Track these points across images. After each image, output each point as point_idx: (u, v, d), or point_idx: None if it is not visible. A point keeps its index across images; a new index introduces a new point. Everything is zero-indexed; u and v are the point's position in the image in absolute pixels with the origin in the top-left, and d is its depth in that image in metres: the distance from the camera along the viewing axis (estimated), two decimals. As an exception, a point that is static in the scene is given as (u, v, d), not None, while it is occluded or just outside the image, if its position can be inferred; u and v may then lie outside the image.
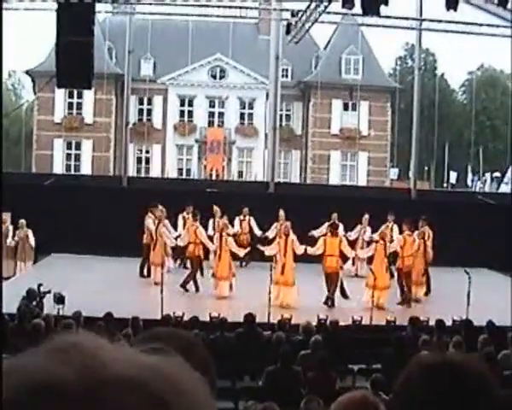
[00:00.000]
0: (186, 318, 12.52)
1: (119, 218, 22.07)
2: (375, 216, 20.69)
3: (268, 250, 17.63)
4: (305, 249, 17.15)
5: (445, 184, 49.40)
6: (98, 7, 20.61)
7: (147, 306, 14.60)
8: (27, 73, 49.12)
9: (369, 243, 19.87)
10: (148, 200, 20.35)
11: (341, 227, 20.82)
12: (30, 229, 20.52)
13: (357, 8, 19.68)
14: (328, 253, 16.94)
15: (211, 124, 50.87)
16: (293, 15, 24.23)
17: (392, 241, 17.96)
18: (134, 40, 29.12)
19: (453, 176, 48.86)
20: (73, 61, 14.84)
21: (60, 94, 44.65)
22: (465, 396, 1.48)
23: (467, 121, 52.92)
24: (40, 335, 9.81)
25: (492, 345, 9.77)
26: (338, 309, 16.09)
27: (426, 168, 48.55)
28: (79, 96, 47.40)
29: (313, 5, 21.60)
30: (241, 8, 27.13)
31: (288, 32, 24.87)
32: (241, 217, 22.20)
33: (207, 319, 12.70)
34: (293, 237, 17.27)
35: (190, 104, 50.89)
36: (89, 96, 45.31)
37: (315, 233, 19.87)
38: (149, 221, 19.74)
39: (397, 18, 26.13)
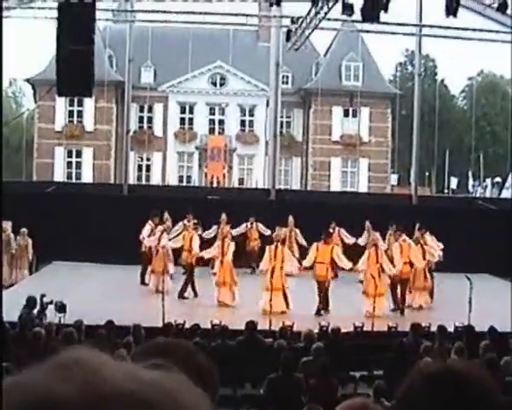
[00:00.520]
0: (187, 325, 12.49)
1: (120, 226, 22.07)
2: (376, 222, 20.67)
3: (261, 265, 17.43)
4: (300, 266, 17.19)
5: (445, 190, 49.39)
6: (98, 15, 20.64)
7: (148, 314, 14.57)
8: (28, 81, 49.20)
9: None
10: (148, 207, 20.37)
11: (346, 236, 21.14)
12: (30, 238, 20.54)
13: (357, 15, 19.69)
14: (318, 260, 16.80)
15: (211, 131, 50.91)
16: (293, 22, 24.26)
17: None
18: (134, 48, 29.17)
19: (454, 182, 48.87)
20: (74, 70, 14.85)
21: (60, 102, 44.71)
22: (467, 405, 1.47)
23: (467, 127, 52.95)
24: (41, 343, 9.81)
25: (494, 351, 9.74)
26: (339, 316, 16.05)
27: (426, 174, 48.54)
28: (80, 104, 47.47)
29: (313, 12, 21.62)
30: (241, 15, 27.18)
31: (288, 38, 24.90)
32: (249, 224, 22.31)
33: (209, 326, 12.68)
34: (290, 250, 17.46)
35: (191, 111, 50.94)
36: (89, 104, 45.41)
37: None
38: (147, 228, 19.74)
39: (397, 24, 26.17)
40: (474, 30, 25.73)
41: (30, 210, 21.24)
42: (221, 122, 51.07)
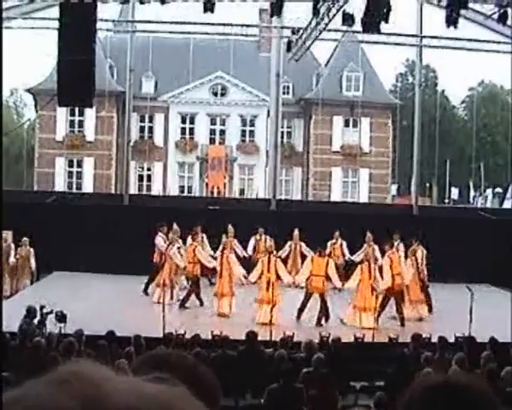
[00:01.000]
0: (188, 336, 12.48)
1: (121, 236, 22.07)
2: (377, 233, 20.65)
3: (250, 277, 17.35)
4: (294, 282, 17.31)
5: (446, 200, 49.38)
6: (99, 25, 20.70)
7: (148, 324, 14.56)
8: (29, 91, 49.21)
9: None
10: (149, 218, 20.35)
11: (346, 250, 21.09)
12: (32, 248, 20.50)
13: (358, 26, 19.74)
14: (314, 273, 16.80)
15: (212, 141, 50.92)
16: (293, 33, 24.35)
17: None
18: (135, 58, 29.22)
19: (455, 192, 48.85)
20: (75, 80, 14.89)
21: (61, 112, 44.78)
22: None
23: (468, 137, 52.93)
24: (41, 353, 9.79)
25: (495, 362, 9.73)
26: (339, 327, 16.04)
27: (427, 185, 48.53)
28: (81, 114, 47.51)
29: (314, 23, 21.67)
30: (242, 25, 27.24)
31: (288, 49, 24.98)
32: (257, 237, 22.11)
33: (209, 336, 12.67)
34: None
35: (192, 122, 50.96)
36: (90, 114, 45.45)
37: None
38: (160, 240, 19.58)
39: (397, 35, 26.26)
40: (475, 40, 25.81)
41: (31, 220, 21.23)
42: (222, 132, 51.08)
